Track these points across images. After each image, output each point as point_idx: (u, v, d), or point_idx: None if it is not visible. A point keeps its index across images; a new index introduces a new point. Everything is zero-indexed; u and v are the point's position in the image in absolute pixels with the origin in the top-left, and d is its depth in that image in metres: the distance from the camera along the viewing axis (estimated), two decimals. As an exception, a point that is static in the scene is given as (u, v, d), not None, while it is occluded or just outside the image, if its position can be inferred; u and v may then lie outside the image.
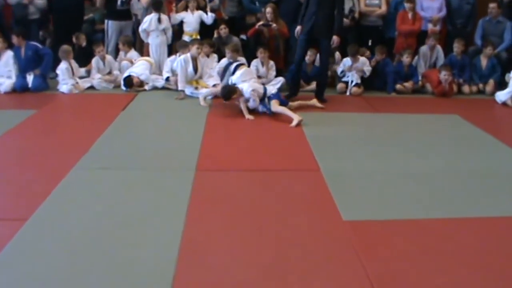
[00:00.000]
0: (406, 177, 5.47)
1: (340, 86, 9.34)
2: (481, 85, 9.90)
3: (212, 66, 9.20)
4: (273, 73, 9.20)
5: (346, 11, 9.87)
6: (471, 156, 6.29)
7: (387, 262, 3.83)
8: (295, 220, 4.43)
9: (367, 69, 9.37)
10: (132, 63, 9.39)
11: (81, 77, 9.17)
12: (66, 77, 8.87)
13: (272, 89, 7.74)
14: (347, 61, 9.33)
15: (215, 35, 10.02)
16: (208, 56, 9.29)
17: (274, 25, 9.30)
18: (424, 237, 4.22)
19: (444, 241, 4.19)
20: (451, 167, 5.87)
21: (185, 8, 10.00)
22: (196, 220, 4.35)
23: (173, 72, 9.01)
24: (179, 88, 8.59)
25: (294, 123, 7.11)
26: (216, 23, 10.20)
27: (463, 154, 6.35)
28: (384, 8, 10.28)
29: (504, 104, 8.90)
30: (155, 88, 9.14)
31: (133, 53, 9.72)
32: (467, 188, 5.29)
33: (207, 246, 3.97)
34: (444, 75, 9.27)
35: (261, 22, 9.41)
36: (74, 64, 9.10)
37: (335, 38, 8.23)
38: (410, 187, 5.24)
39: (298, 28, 8.52)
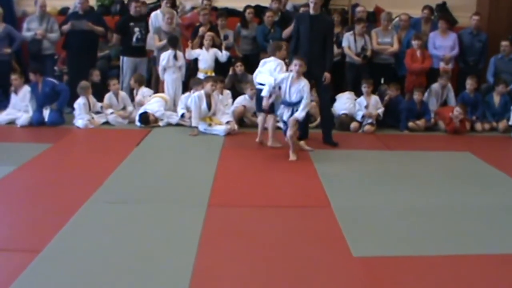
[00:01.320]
0: (417, 214, 5.50)
1: (354, 125, 9.38)
2: (494, 123, 9.94)
3: (226, 103, 9.34)
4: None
5: (358, 49, 10.01)
6: (482, 193, 6.31)
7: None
8: (305, 256, 4.46)
9: (381, 111, 9.44)
10: (142, 104, 9.49)
11: (97, 113, 9.28)
12: (82, 112, 8.99)
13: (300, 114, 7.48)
14: (362, 101, 9.40)
15: (230, 72, 10.16)
16: (222, 93, 9.41)
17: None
18: (435, 275, 4.23)
19: (455, 278, 4.20)
20: (463, 203, 5.91)
21: (200, 45, 10.12)
22: (207, 254, 4.39)
23: (188, 108, 9.12)
24: (193, 125, 8.68)
25: (292, 158, 7.37)
26: (230, 61, 10.34)
27: (474, 191, 6.38)
28: (396, 46, 10.39)
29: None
30: (169, 124, 9.23)
31: (144, 90, 9.79)
32: (478, 225, 5.31)
33: (218, 280, 4.01)
34: (456, 112, 9.30)
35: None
36: (92, 99, 9.25)
37: (326, 75, 7.99)
38: (421, 223, 5.27)
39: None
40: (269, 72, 7.74)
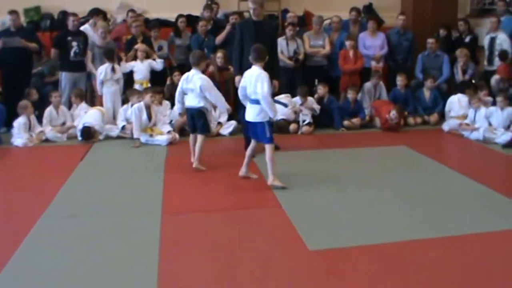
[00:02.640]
0: (364, 206, 5.78)
1: (292, 126, 9.59)
2: (425, 117, 10.35)
3: (166, 113, 9.40)
4: (225, 115, 9.49)
5: (291, 53, 10.23)
6: (421, 182, 6.70)
7: (356, 286, 4.06)
8: (263, 254, 4.61)
9: (316, 107, 9.71)
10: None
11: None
12: (22, 131, 8.86)
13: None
14: (297, 100, 9.64)
15: (168, 82, 10.21)
16: (161, 103, 9.48)
17: (231, 67, 9.63)
18: (386, 260, 4.47)
19: (406, 262, 4.45)
20: (405, 193, 6.24)
21: (134, 58, 10.16)
22: (170, 260, 4.48)
23: (128, 120, 9.17)
24: (135, 136, 8.73)
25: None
26: (166, 71, 10.42)
27: (413, 181, 6.75)
28: (328, 48, 10.68)
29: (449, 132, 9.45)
30: (109, 137, 9.23)
31: (83, 105, 9.72)
32: (422, 211, 5.63)
33: (184, 284, 4.11)
34: (393, 115, 9.63)
35: (219, 60, 9.82)
36: (34, 120, 9.16)
37: (275, 83, 7.76)
38: (369, 214, 5.54)
39: (238, 78, 7.46)
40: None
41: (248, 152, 6.72)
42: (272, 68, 7.45)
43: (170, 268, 4.35)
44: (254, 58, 6.41)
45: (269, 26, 8.05)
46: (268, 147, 6.33)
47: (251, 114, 6.39)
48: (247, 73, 6.45)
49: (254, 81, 6.24)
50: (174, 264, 4.45)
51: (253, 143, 6.66)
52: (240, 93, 6.67)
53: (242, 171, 6.76)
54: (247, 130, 7.29)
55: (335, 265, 4.40)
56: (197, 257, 4.57)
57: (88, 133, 8.93)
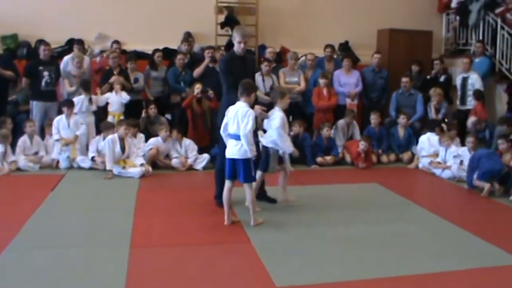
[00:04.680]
0: (332, 243, 5.78)
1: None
2: (399, 154, 10.45)
3: (139, 146, 9.40)
4: (193, 151, 9.55)
5: (267, 89, 10.28)
6: (391, 220, 6.74)
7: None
8: (230, 290, 4.59)
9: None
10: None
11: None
12: (-3, 160, 8.84)
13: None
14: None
15: (143, 114, 10.24)
16: (135, 136, 9.48)
17: (210, 91, 9.79)
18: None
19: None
20: (373, 231, 6.27)
21: (110, 89, 10.18)
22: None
23: (99, 152, 9.15)
24: (107, 168, 8.72)
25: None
26: (141, 103, 10.45)
27: (383, 219, 6.78)
28: (303, 85, 10.78)
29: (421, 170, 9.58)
30: (81, 168, 9.22)
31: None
32: (390, 250, 5.65)
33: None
34: (362, 145, 9.77)
35: (199, 90, 9.82)
36: (9, 148, 9.12)
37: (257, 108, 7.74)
38: (337, 252, 5.55)
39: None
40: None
41: (227, 198, 6.41)
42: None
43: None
44: (241, 93, 6.28)
45: (251, 60, 7.92)
46: (248, 187, 6.26)
47: (235, 150, 6.19)
48: (231, 108, 6.29)
49: (240, 117, 6.10)
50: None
51: (228, 184, 6.41)
52: (223, 131, 6.40)
53: (227, 220, 6.44)
54: (221, 175, 6.91)
55: (301, 302, 4.40)
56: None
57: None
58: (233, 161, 6.22)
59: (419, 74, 11.85)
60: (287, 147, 6.90)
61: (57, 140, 9.33)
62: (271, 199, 7.42)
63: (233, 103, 6.49)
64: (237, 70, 7.22)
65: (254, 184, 6.38)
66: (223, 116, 6.46)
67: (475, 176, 8.21)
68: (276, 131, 6.72)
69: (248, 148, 6.08)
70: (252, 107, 6.33)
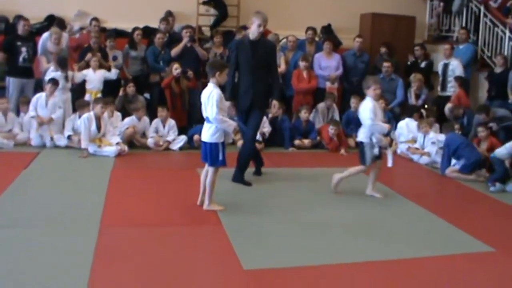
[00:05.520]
0: (304, 227, 5.73)
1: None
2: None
3: (116, 124, 9.30)
4: (175, 132, 9.47)
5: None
6: (364, 205, 6.69)
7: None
8: (198, 273, 4.54)
9: (267, 130, 9.71)
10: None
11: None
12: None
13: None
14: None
15: (121, 93, 10.13)
16: (112, 115, 9.38)
17: (190, 72, 9.81)
18: (321, 283, 4.45)
19: (339, 284, 4.46)
20: (346, 216, 6.25)
21: (86, 67, 10.06)
22: (101, 275, 4.38)
23: (75, 131, 9.05)
24: (83, 146, 8.62)
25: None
26: (120, 82, 10.34)
27: (358, 204, 6.74)
28: (283, 67, 10.71)
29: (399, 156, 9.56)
30: (57, 147, 9.11)
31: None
32: (363, 235, 5.61)
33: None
34: (331, 130, 9.76)
35: (178, 71, 9.73)
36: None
37: (274, 103, 7.93)
38: (309, 235, 5.51)
39: (231, 103, 7.68)
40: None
41: (204, 178, 6.26)
42: (270, 88, 7.51)
43: (100, 284, 4.25)
44: (208, 73, 6.18)
45: (266, 45, 7.49)
46: (212, 171, 6.15)
47: (206, 133, 6.10)
48: (204, 90, 6.13)
49: (206, 99, 6.00)
50: (104, 280, 4.35)
51: (206, 166, 6.27)
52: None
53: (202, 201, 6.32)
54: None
55: (267, 285, 4.36)
56: (129, 273, 4.47)
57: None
58: (207, 144, 6.12)
59: (389, 57, 11.78)
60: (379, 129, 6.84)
61: (32, 117, 9.19)
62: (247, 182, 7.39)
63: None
64: (245, 56, 7.27)
65: (215, 168, 6.15)
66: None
67: (456, 166, 8.22)
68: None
69: (226, 127, 6.01)
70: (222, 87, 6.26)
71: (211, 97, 5.93)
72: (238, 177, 7.40)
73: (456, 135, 8.63)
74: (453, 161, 8.37)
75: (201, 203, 6.27)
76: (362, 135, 6.86)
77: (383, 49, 11.77)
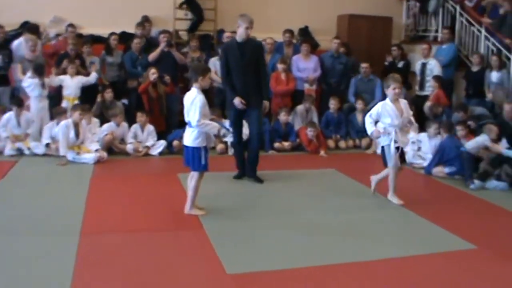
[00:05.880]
0: (286, 230, 5.71)
1: (220, 147, 9.55)
2: (357, 140, 10.46)
3: (94, 131, 9.23)
4: (154, 137, 9.41)
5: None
6: (347, 206, 6.70)
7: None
8: (181, 278, 4.51)
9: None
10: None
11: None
12: None
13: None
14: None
15: (99, 99, 10.04)
16: (90, 121, 9.31)
17: (167, 77, 9.83)
18: (305, 284, 4.43)
19: (325, 286, 4.43)
20: (330, 217, 6.25)
21: (63, 73, 9.96)
22: (82, 283, 4.33)
23: (53, 138, 8.96)
24: (61, 154, 8.55)
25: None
26: (97, 88, 10.26)
27: (340, 205, 6.74)
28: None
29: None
30: (35, 154, 9.00)
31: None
32: (345, 236, 5.62)
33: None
34: (310, 132, 9.77)
35: (155, 76, 9.71)
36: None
37: (266, 104, 7.70)
38: (292, 238, 5.49)
39: (238, 100, 7.43)
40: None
41: (193, 183, 6.15)
42: (261, 89, 7.58)
43: (81, 291, 4.21)
44: (191, 78, 6.17)
45: (253, 46, 7.61)
46: (197, 176, 6.10)
47: (188, 138, 6.04)
48: (186, 95, 6.07)
49: (189, 104, 5.93)
50: (86, 287, 4.30)
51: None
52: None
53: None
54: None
55: (249, 290, 4.34)
56: (111, 280, 4.43)
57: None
58: (189, 149, 6.06)
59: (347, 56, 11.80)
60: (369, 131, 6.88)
61: (7, 137, 9.11)
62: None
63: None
64: (235, 57, 7.39)
65: (200, 173, 6.12)
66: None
67: (444, 169, 8.30)
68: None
69: (208, 130, 5.95)
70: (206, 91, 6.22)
71: (194, 103, 5.87)
72: (252, 174, 7.75)
73: (453, 142, 8.44)
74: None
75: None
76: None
77: (341, 49, 11.74)
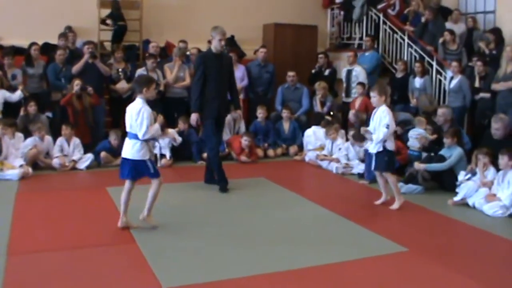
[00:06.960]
0: (220, 240, 5.71)
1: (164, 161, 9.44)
2: (285, 148, 10.51)
3: (18, 146, 8.93)
4: (80, 151, 9.22)
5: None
6: (277, 214, 6.75)
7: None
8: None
9: (178, 138, 9.60)
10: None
11: None
12: None
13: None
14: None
15: (22, 112, 9.73)
16: (13, 136, 9.00)
17: (90, 88, 9.61)
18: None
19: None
20: (260, 226, 6.28)
21: (-14, 86, 9.67)
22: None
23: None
24: (-17, 170, 8.25)
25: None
26: (20, 101, 9.96)
27: (270, 213, 6.79)
28: (188, 80, 10.59)
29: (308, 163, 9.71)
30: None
31: None
32: (277, 244, 5.65)
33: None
34: (245, 141, 9.79)
35: (78, 87, 9.54)
36: None
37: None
38: (225, 249, 5.47)
39: (195, 116, 7.77)
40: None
41: (125, 197, 6.01)
42: (232, 99, 8.14)
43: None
44: (135, 90, 6.08)
45: (227, 58, 8.12)
46: (156, 182, 5.99)
47: (130, 150, 5.83)
48: (129, 106, 5.90)
49: (135, 115, 5.74)
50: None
51: (127, 184, 6.01)
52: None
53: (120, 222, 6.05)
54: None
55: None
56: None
57: None
58: (132, 162, 5.89)
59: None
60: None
61: None
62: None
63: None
64: (213, 67, 7.63)
65: (158, 179, 6.02)
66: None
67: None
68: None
69: (155, 134, 5.84)
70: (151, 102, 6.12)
71: (141, 114, 5.72)
72: (214, 181, 8.00)
73: None
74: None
75: (123, 225, 6.02)
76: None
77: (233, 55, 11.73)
